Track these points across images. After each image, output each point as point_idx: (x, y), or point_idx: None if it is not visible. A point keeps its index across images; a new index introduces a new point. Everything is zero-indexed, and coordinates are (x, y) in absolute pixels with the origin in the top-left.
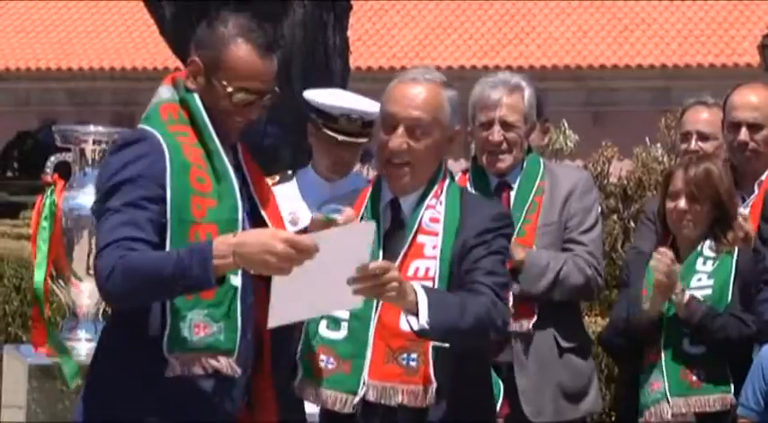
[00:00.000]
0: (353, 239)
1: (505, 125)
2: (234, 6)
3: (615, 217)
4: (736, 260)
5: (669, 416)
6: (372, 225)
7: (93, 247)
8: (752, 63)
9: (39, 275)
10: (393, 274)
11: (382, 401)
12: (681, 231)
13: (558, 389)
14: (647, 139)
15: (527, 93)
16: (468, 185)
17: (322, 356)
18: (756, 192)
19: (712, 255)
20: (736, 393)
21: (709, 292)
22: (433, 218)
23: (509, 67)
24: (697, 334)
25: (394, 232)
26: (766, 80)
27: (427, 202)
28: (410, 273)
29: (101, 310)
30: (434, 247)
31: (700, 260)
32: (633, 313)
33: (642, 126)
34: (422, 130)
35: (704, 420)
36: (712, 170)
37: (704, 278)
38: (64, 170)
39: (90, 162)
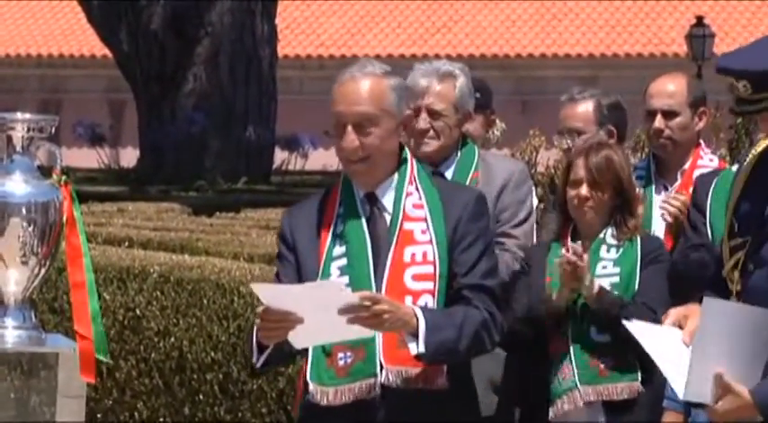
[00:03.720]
0: (329, 292)
1: (433, 113)
2: None
3: (542, 206)
4: (641, 247)
5: (581, 403)
6: (341, 283)
7: (23, 233)
8: (679, 53)
9: None
10: (383, 306)
11: (400, 385)
12: (583, 217)
13: (489, 383)
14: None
15: (460, 81)
16: None
17: (339, 355)
18: (679, 180)
19: (615, 242)
20: (644, 381)
21: (616, 279)
22: (416, 204)
23: (437, 56)
24: (608, 324)
25: (376, 224)
26: (693, 70)
27: (405, 189)
28: (407, 258)
29: (27, 297)
30: (424, 232)
31: (603, 248)
32: (536, 302)
33: None
34: (370, 124)
35: (612, 408)
36: (613, 157)
37: (609, 266)
38: None
39: (17, 149)
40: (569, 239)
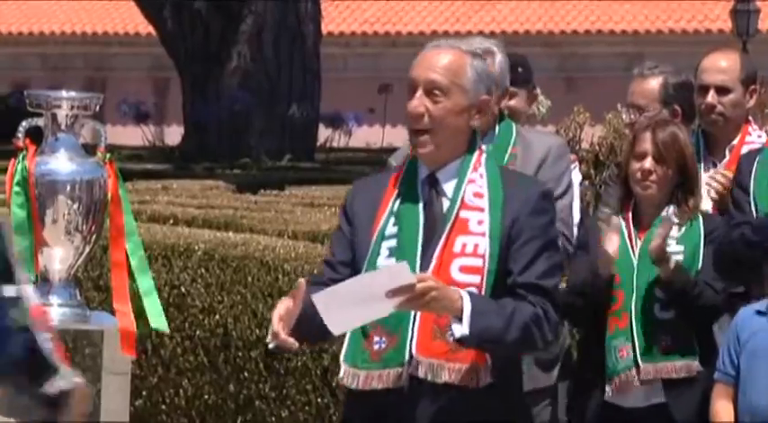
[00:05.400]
0: (391, 277)
1: None
2: None
3: (587, 183)
4: (703, 225)
5: (637, 382)
6: (405, 265)
7: (68, 211)
8: (724, 29)
9: (22, 241)
10: (429, 283)
11: (429, 378)
12: (645, 191)
13: (531, 357)
14: (618, 105)
15: (498, 58)
16: None
17: (375, 338)
18: (727, 157)
19: (676, 220)
20: (702, 361)
21: (680, 257)
22: (477, 193)
23: (481, 32)
24: (676, 299)
25: (433, 208)
26: (738, 46)
27: (468, 176)
28: (457, 249)
29: (72, 275)
30: (480, 223)
31: None
32: (595, 275)
33: (614, 92)
34: (440, 93)
35: (669, 387)
36: (678, 134)
37: (673, 244)
38: (36, 135)
39: (62, 127)
40: (630, 214)
